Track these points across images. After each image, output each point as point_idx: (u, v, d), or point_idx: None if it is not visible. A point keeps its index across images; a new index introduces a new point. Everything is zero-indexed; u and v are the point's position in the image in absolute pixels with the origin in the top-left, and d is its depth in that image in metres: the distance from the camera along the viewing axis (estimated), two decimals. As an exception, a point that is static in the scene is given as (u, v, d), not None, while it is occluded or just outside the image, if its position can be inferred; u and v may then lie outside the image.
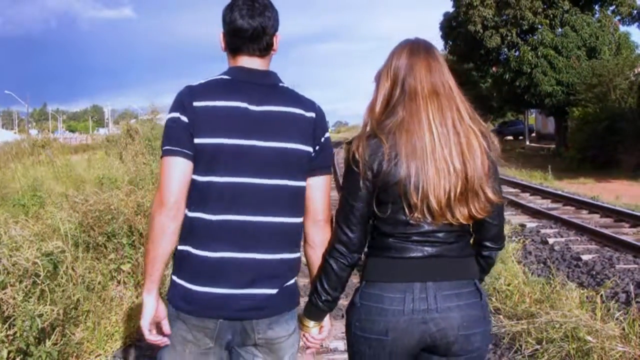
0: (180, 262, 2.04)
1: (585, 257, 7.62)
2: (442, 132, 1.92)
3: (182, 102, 1.98)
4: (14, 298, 3.53)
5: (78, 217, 5.87)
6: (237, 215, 1.98)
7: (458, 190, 1.90)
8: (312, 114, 2.07)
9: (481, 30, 30.07)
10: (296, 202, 2.06)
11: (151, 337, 2.04)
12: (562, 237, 9.11)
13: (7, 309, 3.49)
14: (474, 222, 2.02)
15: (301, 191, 2.06)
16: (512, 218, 10.77)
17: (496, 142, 2.07)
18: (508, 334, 4.55)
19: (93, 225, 5.75)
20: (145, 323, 2.02)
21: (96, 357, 4.34)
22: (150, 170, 11.86)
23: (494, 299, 5.58)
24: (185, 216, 2.00)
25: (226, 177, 1.97)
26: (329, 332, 2.23)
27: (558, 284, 5.34)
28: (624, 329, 4.13)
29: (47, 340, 3.59)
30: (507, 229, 8.42)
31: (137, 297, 5.27)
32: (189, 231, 2.01)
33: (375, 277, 1.98)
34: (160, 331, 2.06)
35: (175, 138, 1.96)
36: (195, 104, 1.96)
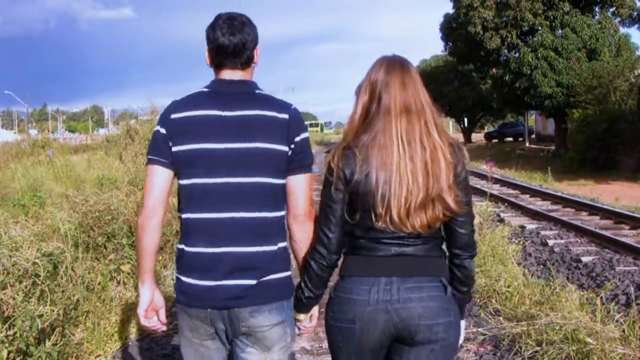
0: (178, 259, 2.30)
1: (585, 259, 7.62)
2: (409, 148, 2.09)
3: (164, 115, 2.28)
4: (14, 298, 3.53)
5: (78, 217, 5.88)
6: (216, 213, 2.20)
7: (418, 200, 2.06)
8: (286, 116, 2.25)
9: (481, 32, 30.05)
10: (273, 198, 2.24)
11: (145, 322, 2.36)
12: (562, 238, 9.11)
13: (7, 309, 3.49)
14: (445, 231, 2.19)
15: (278, 188, 2.24)
16: (512, 220, 10.77)
17: (465, 153, 2.19)
18: (508, 336, 4.55)
19: (93, 226, 5.75)
20: (140, 311, 2.32)
21: (96, 357, 4.34)
22: (150, 171, 11.86)
23: (493, 301, 5.58)
24: (180, 218, 2.28)
25: (205, 179, 2.20)
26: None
27: (558, 286, 5.34)
28: (624, 331, 4.13)
29: (47, 341, 3.58)
30: (507, 231, 8.41)
31: (136, 298, 5.27)
32: (183, 231, 2.27)
33: (348, 272, 2.19)
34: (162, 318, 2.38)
35: (155, 149, 2.25)
36: (173, 116, 2.24)
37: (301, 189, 2.26)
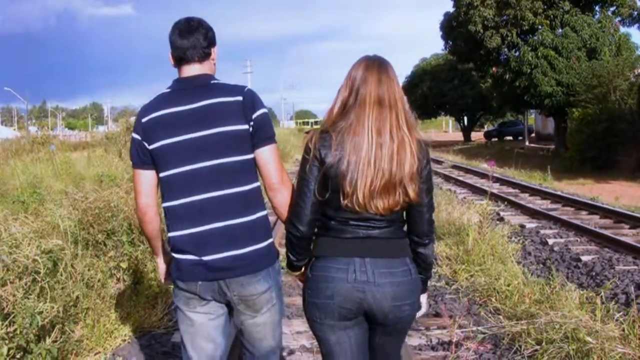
0: (169, 243, 2.57)
1: (584, 258, 7.62)
2: (379, 137, 2.33)
3: (136, 122, 2.57)
4: (14, 295, 3.52)
5: (78, 214, 5.87)
6: (194, 196, 2.47)
7: (381, 184, 2.30)
8: (239, 97, 2.50)
9: (481, 31, 30.04)
10: (244, 172, 2.51)
11: (164, 282, 2.83)
12: (561, 237, 9.11)
13: (7, 306, 3.48)
14: (407, 219, 2.46)
15: (248, 163, 2.51)
16: (512, 218, 10.77)
17: (428, 151, 2.45)
18: (508, 335, 4.55)
19: (93, 223, 5.75)
20: (159, 275, 2.84)
21: (95, 354, 4.33)
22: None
23: (493, 299, 5.59)
24: (163, 208, 2.57)
25: (178, 168, 2.48)
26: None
27: (558, 285, 5.34)
28: (623, 330, 4.13)
29: (47, 338, 3.58)
30: (506, 230, 8.42)
31: (136, 295, 5.28)
32: (168, 218, 2.55)
33: (321, 253, 2.43)
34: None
35: (134, 154, 2.56)
36: (143, 120, 2.53)
37: (269, 159, 2.51)
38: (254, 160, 2.52)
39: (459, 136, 59.41)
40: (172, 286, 2.75)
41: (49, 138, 21.84)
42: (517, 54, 29.98)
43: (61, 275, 4.18)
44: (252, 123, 2.49)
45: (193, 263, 2.49)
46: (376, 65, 2.42)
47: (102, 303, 4.65)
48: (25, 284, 3.72)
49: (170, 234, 2.54)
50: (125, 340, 4.65)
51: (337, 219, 2.39)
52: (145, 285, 5.44)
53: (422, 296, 2.62)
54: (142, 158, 2.53)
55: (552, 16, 28.98)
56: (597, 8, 29.92)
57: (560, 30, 29.16)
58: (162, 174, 2.52)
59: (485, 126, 69.22)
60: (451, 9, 33.80)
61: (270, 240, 2.59)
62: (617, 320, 4.30)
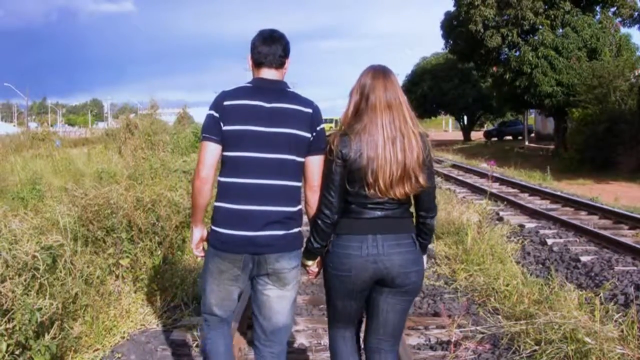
0: (216, 214, 2.93)
1: (584, 259, 7.62)
2: (391, 135, 2.79)
3: (217, 102, 2.91)
4: (13, 291, 3.52)
5: (77, 211, 5.85)
6: (255, 179, 2.87)
7: (398, 174, 2.77)
8: (310, 110, 2.96)
9: (482, 30, 30.02)
10: (296, 171, 2.94)
11: (196, 252, 3.13)
12: (561, 238, 9.11)
13: (6, 302, 3.48)
14: (415, 199, 2.92)
15: (301, 164, 2.94)
16: (511, 218, 10.77)
17: (430, 144, 2.90)
18: (506, 335, 4.55)
19: (92, 220, 5.73)
20: (193, 245, 3.12)
21: (94, 351, 4.33)
22: (149, 165, 11.82)
23: (492, 299, 5.59)
24: (220, 181, 2.93)
25: (249, 153, 2.88)
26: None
27: (557, 285, 5.34)
28: (622, 331, 4.13)
29: (46, 334, 3.58)
30: (506, 229, 8.43)
31: (135, 292, 5.28)
32: (224, 191, 2.91)
33: (342, 231, 2.89)
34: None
35: (208, 129, 2.89)
36: (225, 103, 2.89)
37: (317, 166, 2.94)
38: (303, 163, 2.95)
39: (458, 135, 59.39)
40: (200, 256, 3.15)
41: (49, 134, 21.85)
42: (517, 53, 29.98)
43: (60, 271, 4.17)
44: (314, 134, 2.94)
45: (240, 237, 2.86)
46: (381, 74, 2.88)
47: (101, 300, 4.64)
48: (25, 281, 3.72)
49: (224, 205, 2.90)
50: (124, 337, 4.65)
51: (356, 203, 2.85)
52: (144, 282, 5.44)
53: (423, 256, 3.07)
54: (215, 133, 2.87)
55: (552, 16, 28.98)
56: (597, 8, 29.92)
57: (560, 30, 29.16)
58: (230, 153, 2.89)
59: (485, 126, 69.22)
60: (452, 8, 33.80)
61: (300, 229, 3.01)
62: (616, 321, 4.30)
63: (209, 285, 3.03)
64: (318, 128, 2.95)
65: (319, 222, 2.88)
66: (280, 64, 3.00)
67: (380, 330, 3.05)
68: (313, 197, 2.95)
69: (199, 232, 3.08)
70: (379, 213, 2.84)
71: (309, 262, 3.05)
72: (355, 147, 2.78)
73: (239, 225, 2.86)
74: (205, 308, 3.11)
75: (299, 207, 2.98)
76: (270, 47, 2.97)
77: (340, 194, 2.83)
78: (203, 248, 3.13)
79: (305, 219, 2.98)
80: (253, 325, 3.13)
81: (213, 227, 2.94)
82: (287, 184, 2.91)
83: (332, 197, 2.83)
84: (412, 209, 2.99)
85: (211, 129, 2.88)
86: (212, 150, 2.88)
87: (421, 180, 2.81)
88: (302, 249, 3.03)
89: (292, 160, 2.91)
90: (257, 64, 2.99)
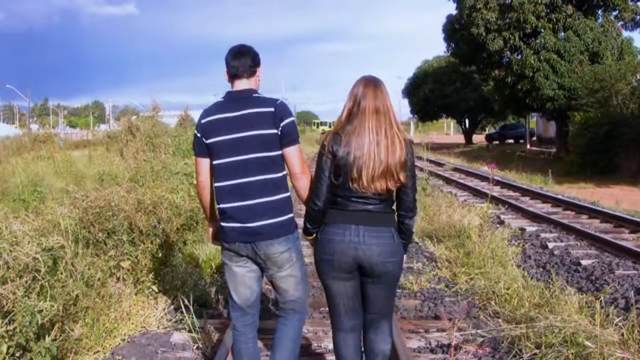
0: (218, 212, 3.46)
1: (584, 262, 7.61)
2: (376, 137, 3.15)
3: (198, 122, 3.45)
4: (14, 293, 3.53)
5: (78, 213, 5.86)
6: (238, 180, 3.32)
7: (380, 171, 3.12)
8: (271, 109, 3.33)
9: (484, 33, 30.05)
10: (272, 165, 3.33)
11: (210, 242, 3.79)
12: (561, 241, 9.10)
13: (7, 304, 3.49)
14: (396, 199, 3.29)
15: (274, 158, 3.33)
16: (512, 222, 10.76)
17: (412, 147, 3.26)
18: (507, 338, 4.54)
19: (93, 222, 5.74)
20: (208, 236, 3.71)
21: (95, 353, 4.34)
22: (150, 168, 11.84)
23: (493, 303, 5.58)
24: (214, 186, 3.44)
25: (225, 159, 3.34)
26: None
27: (557, 289, 5.34)
28: (623, 335, 4.12)
29: (46, 336, 3.58)
30: (507, 233, 8.42)
31: (135, 294, 5.28)
32: (218, 194, 3.41)
33: (329, 221, 3.27)
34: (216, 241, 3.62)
35: (195, 146, 3.46)
36: (203, 121, 3.41)
37: (293, 155, 3.34)
38: (281, 155, 3.33)
39: (460, 139, 59.41)
40: (219, 245, 3.61)
41: (50, 136, 21.86)
42: (519, 57, 29.99)
43: (61, 273, 4.18)
44: (280, 129, 3.30)
45: (235, 229, 3.34)
46: (372, 84, 3.25)
47: (101, 302, 4.64)
48: (26, 282, 3.73)
49: (220, 206, 3.40)
50: (124, 339, 4.65)
51: (342, 196, 3.21)
52: (145, 284, 5.44)
53: (404, 256, 3.41)
54: (201, 149, 3.41)
55: (554, 20, 28.99)
56: (599, 12, 29.94)
57: (562, 33, 29.16)
58: (215, 162, 3.38)
59: (487, 129, 69.16)
60: (454, 12, 33.82)
61: (290, 215, 3.41)
62: (616, 325, 4.29)
63: (226, 275, 3.54)
64: (283, 123, 3.32)
65: (309, 208, 3.30)
66: (251, 73, 3.43)
67: (371, 309, 3.43)
68: (297, 183, 3.37)
69: (210, 227, 3.67)
70: (362, 206, 3.19)
71: (309, 238, 3.46)
72: (345, 145, 3.15)
73: (234, 219, 3.34)
74: (229, 301, 3.59)
75: (284, 195, 3.39)
76: (240, 60, 3.41)
77: (328, 185, 3.20)
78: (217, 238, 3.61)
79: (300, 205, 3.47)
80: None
81: (221, 223, 3.44)
82: (266, 178, 3.32)
83: (320, 186, 3.20)
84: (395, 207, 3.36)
85: (196, 146, 3.44)
86: (201, 163, 3.45)
87: (402, 178, 3.16)
88: (295, 233, 3.45)
89: (265, 156, 3.31)
90: (231, 76, 3.44)
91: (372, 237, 3.19)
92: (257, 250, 3.35)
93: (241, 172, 3.31)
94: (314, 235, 3.39)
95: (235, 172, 3.32)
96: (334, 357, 4.48)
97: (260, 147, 3.29)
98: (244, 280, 3.48)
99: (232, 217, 3.35)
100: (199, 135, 3.41)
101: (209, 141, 3.36)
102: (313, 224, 3.33)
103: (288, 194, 3.43)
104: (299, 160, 3.37)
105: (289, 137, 3.33)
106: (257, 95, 3.42)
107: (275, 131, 3.30)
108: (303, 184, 3.36)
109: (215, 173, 3.40)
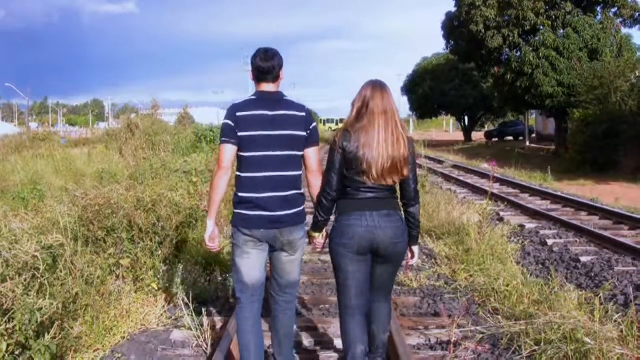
0: (239, 201, 3.67)
1: (584, 259, 7.62)
2: (384, 134, 3.49)
3: (231, 114, 3.65)
4: (14, 291, 3.52)
5: (78, 211, 5.86)
6: (267, 172, 3.62)
7: (387, 165, 3.49)
8: (304, 114, 3.73)
9: (483, 31, 30.03)
10: (298, 163, 3.73)
11: (209, 244, 3.81)
12: (561, 238, 9.11)
13: (6, 302, 3.48)
14: (400, 189, 3.65)
15: (300, 157, 3.73)
16: (512, 219, 10.76)
17: (414, 145, 3.67)
18: (506, 335, 4.55)
19: (93, 220, 5.74)
20: (206, 236, 3.79)
21: (94, 351, 4.34)
22: (150, 165, 11.83)
23: (492, 300, 5.58)
24: (240, 176, 3.68)
25: (259, 152, 3.62)
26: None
27: (557, 286, 5.34)
28: (622, 331, 4.13)
29: (46, 334, 3.58)
30: (506, 230, 8.41)
31: (135, 292, 5.28)
32: (244, 184, 3.65)
33: (343, 211, 3.61)
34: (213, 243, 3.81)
35: (226, 134, 3.63)
36: (238, 114, 3.63)
37: (314, 155, 3.77)
38: (302, 156, 3.73)
39: (459, 136, 59.38)
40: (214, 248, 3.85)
41: (50, 134, 21.85)
42: (518, 54, 29.97)
43: (61, 271, 4.18)
44: (308, 132, 3.71)
45: (262, 217, 3.61)
46: (379, 87, 3.59)
47: (101, 300, 4.65)
48: (25, 280, 3.73)
49: (247, 195, 3.63)
50: (124, 337, 4.65)
51: (352, 187, 3.56)
52: (144, 282, 5.44)
53: (415, 247, 3.83)
54: (232, 136, 3.60)
55: (553, 17, 28.98)
56: (598, 9, 29.91)
57: (561, 31, 29.14)
58: (246, 154, 3.62)
59: (486, 126, 69.18)
60: (453, 9, 33.80)
61: (303, 207, 3.79)
62: (615, 321, 4.30)
63: (238, 261, 3.72)
64: (311, 127, 3.74)
65: (322, 198, 3.60)
66: (276, 77, 3.71)
67: (375, 288, 3.78)
68: (313, 179, 3.78)
69: (212, 225, 3.77)
70: (370, 195, 3.55)
71: (316, 234, 3.77)
72: (354, 141, 3.49)
73: (261, 208, 3.61)
74: (237, 286, 3.79)
75: (302, 190, 3.77)
76: (268, 63, 3.67)
77: (338, 176, 3.54)
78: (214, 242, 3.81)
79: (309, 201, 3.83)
80: (271, 281, 3.90)
81: (236, 210, 3.68)
82: (290, 174, 3.68)
83: (332, 178, 3.54)
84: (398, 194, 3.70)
85: (229, 134, 3.61)
86: (230, 150, 3.62)
87: (405, 172, 3.55)
88: (307, 222, 3.77)
89: (294, 155, 3.69)
90: (257, 78, 3.71)
91: (386, 221, 3.55)
92: (280, 237, 3.67)
93: (275, 165, 3.62)
94: (322, 232, 3.77)
95: (271, 165, 3.62)
96: (335, 354, 4.50)
97: (291, 146, 3.66)
98: (257, 263, 3.73)
99: (259, 206, 3.61)
100: (232, 124, 3.61)
101: (243, 133, 3.59)
102: (324, 215, 3.65)
103: (304, 189, 3.80)
104: (317, 160, 3.80)
105: (312, 139, 3.75)
106: (287, 98, 3.75)
107: (304, 133, 3.69)
108: (317, 180, 3.74)
109: (247, 164, 3.64)
